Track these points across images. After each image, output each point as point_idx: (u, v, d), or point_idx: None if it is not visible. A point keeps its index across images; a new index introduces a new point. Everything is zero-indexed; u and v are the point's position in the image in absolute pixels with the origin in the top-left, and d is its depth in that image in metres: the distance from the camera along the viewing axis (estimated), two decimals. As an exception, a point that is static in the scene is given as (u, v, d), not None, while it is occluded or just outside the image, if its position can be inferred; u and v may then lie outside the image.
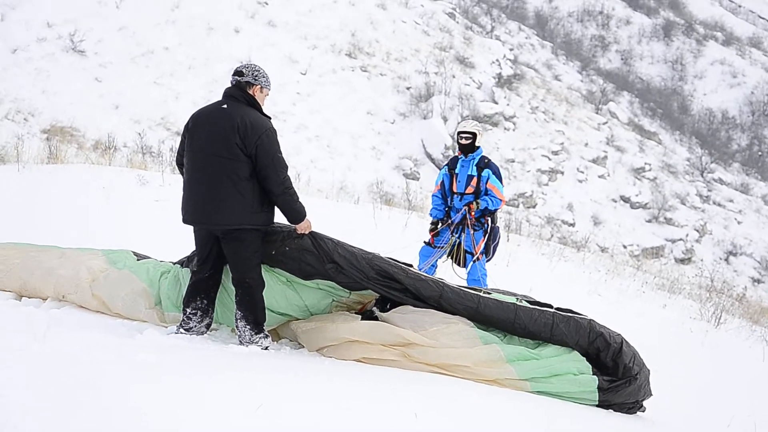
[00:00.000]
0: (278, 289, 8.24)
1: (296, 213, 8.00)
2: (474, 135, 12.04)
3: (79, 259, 9.29)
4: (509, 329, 8.12)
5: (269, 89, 8.23)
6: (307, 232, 8.16)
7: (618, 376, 8.06)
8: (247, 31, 50.72)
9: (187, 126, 8.03)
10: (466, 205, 11.95)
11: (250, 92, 8.05)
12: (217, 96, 7.78)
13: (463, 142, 12.08)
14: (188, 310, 8.13)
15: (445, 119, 51.86)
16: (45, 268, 9.28)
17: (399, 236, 17.75)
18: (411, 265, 8.38)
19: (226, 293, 8.37)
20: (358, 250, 8.22)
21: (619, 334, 8.27)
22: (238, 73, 8.09)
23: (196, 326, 8.12)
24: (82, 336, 7.52)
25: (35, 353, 6.75)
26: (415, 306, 8.14)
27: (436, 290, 8.10)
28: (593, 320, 8.28)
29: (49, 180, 17.29)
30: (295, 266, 8.17)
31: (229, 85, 8.16)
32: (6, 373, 5.83)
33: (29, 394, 5.39)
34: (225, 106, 7.92)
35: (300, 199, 8.05)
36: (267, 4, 54.39)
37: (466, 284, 10.58)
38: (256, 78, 8.09)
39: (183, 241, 8.90)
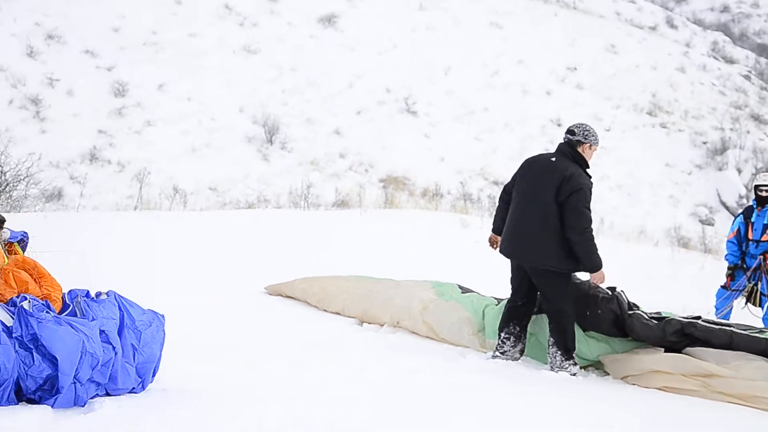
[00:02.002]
0: (587, 343, 8.19)
1: (592, 262, 7.88)
2: None
3: (411, 290, 9.59)
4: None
5: (597, 145, 8.25)
6: (600, 283, 8.05)
7: None
8: (558, 93, 50.72)
9: (519, 169, 8.24)
10: (762, 254, 11.46)
11: (579, 150, 8.10)
12: (530, 151, 7.97)
13: (762, 194, 11.61)
14: (502, 335, 8.23)
15: (739, 171, 49.84)
16: (383, 297, 9.66)
17: (697, 277, 17.17)
18: (699, 317, 8.15)
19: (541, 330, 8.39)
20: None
21: None
22: (570, 132, 8.19)
23: (509, 350, 8.19)
24: (415, 358, 7.79)
25: (374, 372, 7.06)
26: None
27: (725, 338, 7.82)
28: None
29: (386, 222, 17.93)
30: (605, 327, 8.12)
31: (561, 141, 8.26)
32: (349, 392, 6.11)
33: (371, 410, 5.63)
34: (554, 159, 8.04)
35: (598, 251, 7.94)
36: (576, 69, 54.21)
37: (762, 325, 10.16)
38: (586, 137, 8.15)
39: (500, 278, 9.04)
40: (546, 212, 7.81)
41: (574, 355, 7.96)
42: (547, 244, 7.81)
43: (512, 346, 8.19)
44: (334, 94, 43.48)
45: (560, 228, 7.79)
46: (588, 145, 8.12)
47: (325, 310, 10.12)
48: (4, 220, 5.65)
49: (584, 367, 8.18)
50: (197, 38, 43.65)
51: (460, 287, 9.58)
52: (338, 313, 9.94)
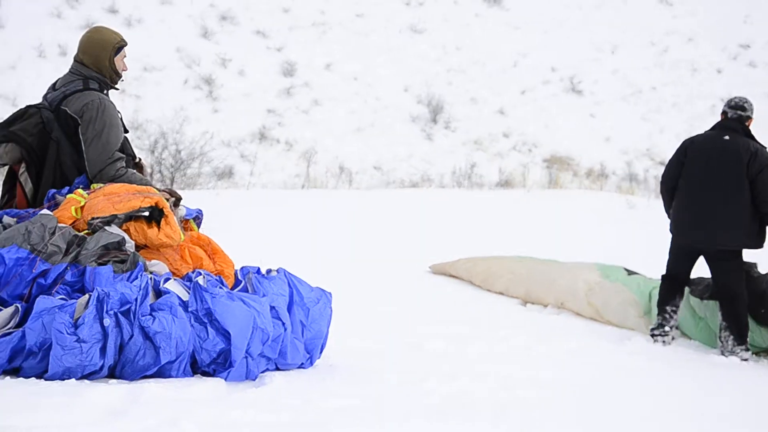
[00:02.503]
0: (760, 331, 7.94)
1: None
2: None
3: (576, 272, 9.47)
4: None
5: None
6: None
7: None
8: (729, 71, 48.95)
9: (682, 152, 8.03)
10: None
11: (747, 124, 7.93)
12: (698, 131, 7.67)
13: None
14: (662, 315, 8.08)
15: None
16: (547, 279, 9.57)
17: None
18: None
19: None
20: None
21: None
22: (740, 107, 7.96)
23: (669, 330, 8.02)
24: (580, 339, 7.71)
25: (539, 352, 7.02)
26: None
27: None
28: None
29: (550, 202, 17.74)
30: None
31: (725, 117, 8.04)
32: (513, 371, 6.10)
33: (536, 390, 5.60)
34: (727, 137, 7.84)
35: None
36: (749, 47, 52.21)
37: None
38: (752, 111, 8.03)
39: (663, 259, 8.83)
40: (734, 191, 7.67)
41: (747, 339, 7.74)
42: (739, 223, 7.70)
43: (671, 327, 8.04)
44: (499, 73, 43.18)
45: (751, 205, 7.62)
46: (752, 119, 7.99)
47: (489, 290, 10.10)
48: (181, 198, 5.85)
49: (756, 353, 7.93)
50: (364, 18, 44.06)
51: (626, 270, 9.41)
52: (502, 293, 9.91)
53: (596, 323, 8.81)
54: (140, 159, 6.19)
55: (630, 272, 9.36)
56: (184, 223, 5.87)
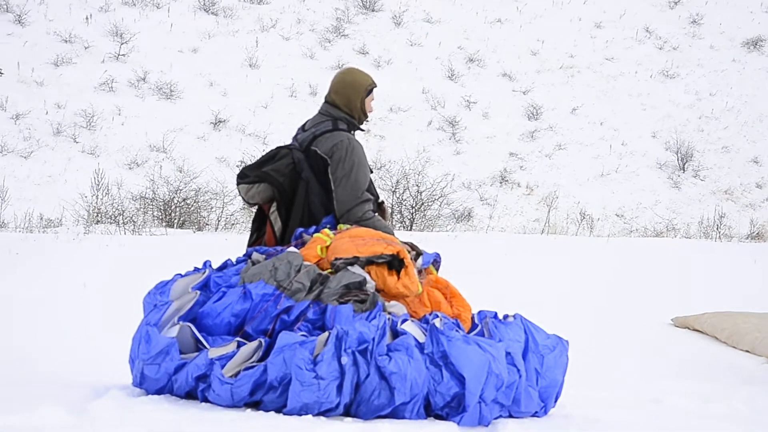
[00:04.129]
0: None
1: None
2: None
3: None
4: None
5: None
6: None
7: None
8: None
9: None
10: None
11: None
12: None
13: None
14: None
15: None
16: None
17: None
18: None
19: None
20: None
21: None
22: None
23: None
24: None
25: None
26: None
27: None
28: None
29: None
30: None
31: None
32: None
33: None
34: None
35: None
36: None
37: None
38: None
39: None
40: None
41: None
42: None
43: None
44: (755, 121, 41.52)
45: None
46: None
47: (735, 347, 9.69)
48: (421, 254, 5.95)
49: None
50: (614, 62, 43.48)
51: None
52: (748, 351, 9.48)
53: None
54: (383, 201, 6.37)
55: None
56: (425, 270, 5.97)
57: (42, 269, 14.29)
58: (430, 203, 22.50)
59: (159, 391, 5.24)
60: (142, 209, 23.04)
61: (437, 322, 5.36)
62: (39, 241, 17.45)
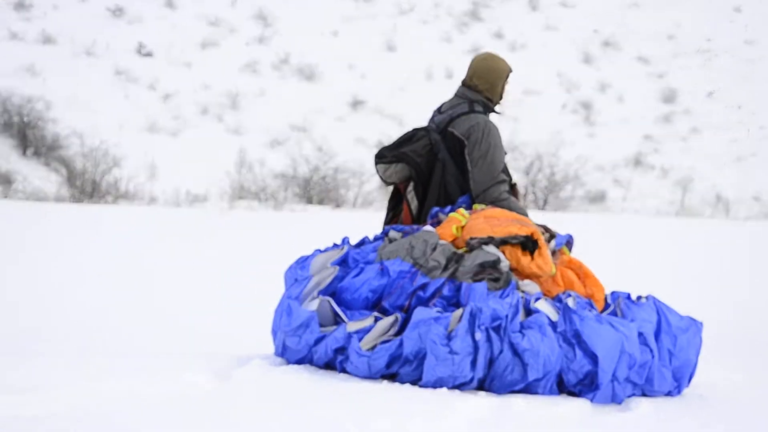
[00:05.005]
0: None
1: None
2: None
3: None
4: None
5: None
6: None
7: None
8: None
9: None
10: None
11: None
12: None
13: None
14: None
15: None
16: None
17: None
18: None
19: None
20: None
21: None
22: None
23: None
24: None
25: None
26: None
27: None
28: None
29: None
30: None
31: None
32: None
33: None
34: None
35: None
36: None
37: None
38: None
39: None
40: None
41: None
42: None
43: None
44: None
45: None
46: None
47: None
48: (555, 236, 5.92)
49: None
50: (753, 45, 42.14)
51: None
52: None
53: None
54: (516, 183, 6.35)
55: None
56: (558, 251, 5.94)
57: (188, 242, 14.76)
58: (563, 185, 22.28)
59: (299, 362, 5.36)
60: (283, 186, 23.49)
61: (570, 301, 5.33)
62: (186, 216, 18.00)
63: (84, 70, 35.82)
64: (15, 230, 15.75)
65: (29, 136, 29.45)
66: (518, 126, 35.62)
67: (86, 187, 22.16)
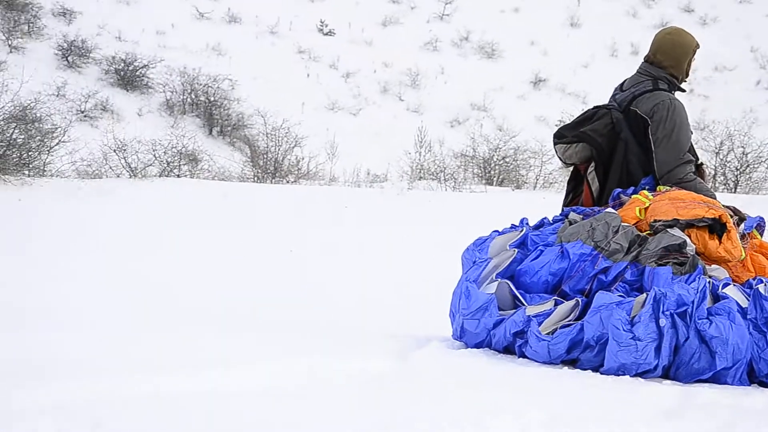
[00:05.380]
0: None
1: None
2: None
3: None
4: None
5: None
6: None
7: None
8: None
9: None
10: None
11: None
12: None
13: None
14: None
15: None
16: None
17: None
18: None
19: None
20: None
21: None
22: None
23: None
24: None
25: None
26: None
27: None
28: None
29: None
30: None
31: None
32: None
33: None
34: None
35: None
36: None
37: None
38: None
39: None
40: None
41: None
42: None
43: None
44: None
45: None
46: None
47: None
48: (745, 219, 5.69)
49: None
50: None
51: None
52: None
53: None
54: (702, 163, 6.13)
55: None
56: (748, 234, 5.72)
57: (368, 222, 14.96)
58: (756, 165, 21.34)
59: (478, 345, 5.35)
60: (462, 166, 23.48)
61: (761, 288, 5.13)
62: (366, 195, 18.23)
63: (267, 49, 36.66)
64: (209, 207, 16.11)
65: (215, 116, 30.42)
66: (708, 104, 34.38)
67: (268, 166, 22.75)
